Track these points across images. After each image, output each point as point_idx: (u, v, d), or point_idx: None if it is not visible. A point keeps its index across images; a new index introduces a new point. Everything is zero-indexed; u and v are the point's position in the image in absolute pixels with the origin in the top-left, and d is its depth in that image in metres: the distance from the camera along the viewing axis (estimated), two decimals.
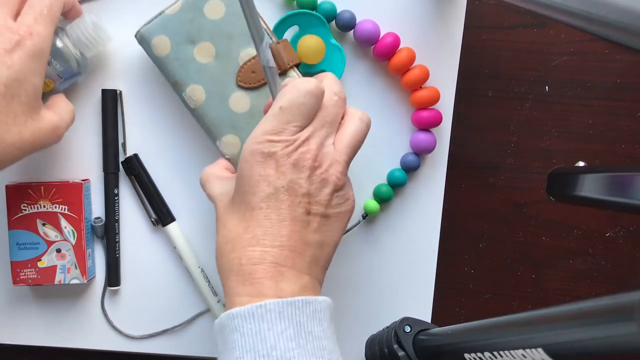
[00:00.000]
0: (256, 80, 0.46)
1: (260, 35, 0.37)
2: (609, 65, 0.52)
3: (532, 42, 0.52)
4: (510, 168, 0.54)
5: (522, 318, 0.34)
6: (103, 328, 0.52)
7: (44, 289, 0.51)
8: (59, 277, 0.48)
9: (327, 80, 0.40)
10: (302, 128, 0.38)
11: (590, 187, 0.38)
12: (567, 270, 0.54)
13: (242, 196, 0.38)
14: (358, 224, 0.51)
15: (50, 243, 0.48)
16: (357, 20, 0.48)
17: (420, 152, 0.50)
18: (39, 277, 0.48)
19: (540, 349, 0.31)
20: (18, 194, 0.47)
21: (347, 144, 0.39)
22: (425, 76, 0.48)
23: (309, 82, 0.38)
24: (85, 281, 0.48)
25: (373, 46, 0.48)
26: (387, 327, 0.47)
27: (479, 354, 0.36)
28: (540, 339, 0.31)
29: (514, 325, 0.34)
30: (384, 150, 0.50)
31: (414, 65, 0.48)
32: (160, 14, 0.45)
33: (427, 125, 0.49)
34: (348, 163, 0.40)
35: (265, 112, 0.42)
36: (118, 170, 0.50)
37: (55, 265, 0.48)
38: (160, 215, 0.50)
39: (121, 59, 0.49)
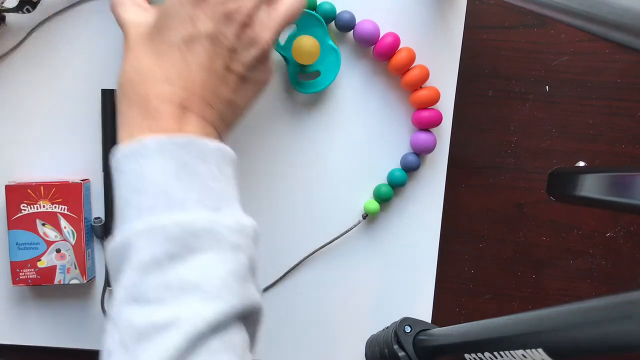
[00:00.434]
0: None
1: None
2: (609, 65, 0.52)
3: (533, 42, 0.52)
4: (510, 168, 0.53)
5: (522, 318, 0.34)
6: (103, 328, 0.51)
7: (44, 289, 0.51)
8: (58, 277, 0.48)
9: None
10: None
11: (590, 187, 0.38)
12: (567, 270, 0.54)
13: (161, 30, 0.35)
14: (358, 224, 0.51)
15: (49, 243, 0.48)
16: (357, 21, 0.48)
17: (421, 152, 0.50)
18: (38, 277, 0.48)
19: (540, 349, 0.31)
20: (18, 194, 0.47)
21: (282, 14, 0.37)
22: (425, 76, 0.48)
23: None
24: (85, 281, 0.48)
25: (373, 46, 0.48)
26: (387, 328, 0.47)
27: (479, 354, 0.36)
28: (540, 339, 0.31)
29: (514, 325, 0.34)
30: (384, 150, 0.50)
31: (414, 65, 0.48)
32: None
33: (427, 125, 0.49)
34: (278, 34, 0.38)
35: None
36: None
37: (55, 265, 0.48)
38: None
39: (121, 58, 0.49)
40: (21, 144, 0.50)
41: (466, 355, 0.37)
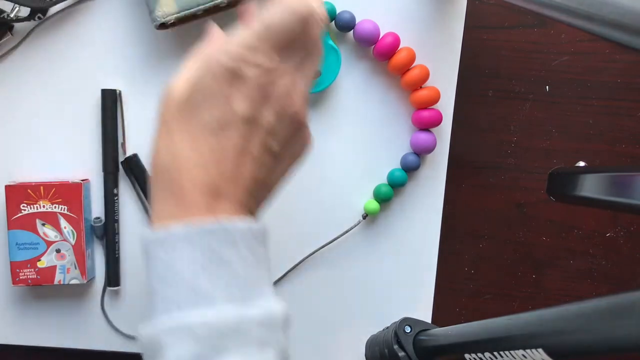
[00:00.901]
0: None
1: None
2: (609, 65, 0.52)
3: (533, 42, 0.52)
4: (510, 168, 0.53)
5: (522, 318, 0.34)
6: (103, 328, 0.51)
7: (44, 289, 0.51)
8: (58, 277, 0.48)
9: (315, 6, 0.35)
10: (280, 51, 0.33)
11: (590, 187, 0.38)
12: (567, 270, 0.54)
13: (195, 109, 0.33)
14: (358, 224, 0.51)
15: (49, 243, 0.48)
16: (357, 21, 0.48)
17: (421, 152, 0.50)
18: (38, 277, 0.48)
19: (540, 349, 0.31)
20: (17, 194, 0.47)
21: (310, 78, 0.36)
22: (426, 76, 0.48)
23: (305, 6, 0.33)
24: (85, 281, 0.48)
25: (373, 46, 0.48)
26: (387, 328, 0.47)
27: (479, 354, 0.36)
28: (540, 339, 0.31)
29: (514, 325, 0.34)
30: (384, 150, 0.50)
31: (414, 65, 0.48)
32: None
33: (427, 125, 0.49)
34: (308, 103, 0.36)
35: (242, 15, 0.38)
36: (117, 170, 0.50)
37: (55, 266, 0.48)
38: None
39: (121, 58, 0.49)
40: (21, 144, 0.50)
41: (466, 355, 0.37)
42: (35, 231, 0.47)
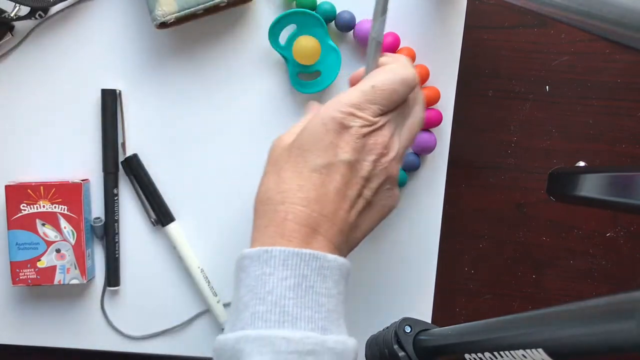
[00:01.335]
0: None
1: (385, 8, 0.38)
2: (609, 65, 0.52)
3: (533, 42, 0.52)
4: (510, 168, 0.53)
5: (522, 318, 0.34)
6: (103, 328, 0.51)
7: (44, 289, 0.51)
8: (58, 277, 0.48)
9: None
10: (385, 112, 0.38)
11: (590, 187, 0.38)
12: (567, 270, 0.54)
13: (304, 152, 0.37)
14: None
15: (49, 243, 0.48)
16: (357, 21, 0.48)
17: (421, 152, 0.50)
18: (38, 277, 0.48)
19: (540, 349, 0.31)
20: (17, 194, 0.47)
21: (407, 139, 0.40)
22: (426, 76, 0.48)
23: (408, 71, 0.38)
24: (85, 281, 0.48)
25: None
26: (387, 328, 0.47)
27: (479, 354, 0.36)
28: (540, 339, 0.31)
29: (514, 325, 0.34)
30: None
31: (414, 65, 0.48)
32: None
33: (427, 125, 0.49)
34: (403, 158, 0.40)
35: (352, 81, 0.42)
36: (117, 170, 0.50)
37: (55, 266, 0.48)
38: (160, 215, 0.50)
39: (121, 58, 0.49)
40: (21, 144, 0.50)
41: (466, 355, 0.37)
42: (35, 231, 0.47)
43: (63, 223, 0.48)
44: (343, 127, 0.37)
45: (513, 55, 0.52)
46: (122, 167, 0.50)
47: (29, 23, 0.48)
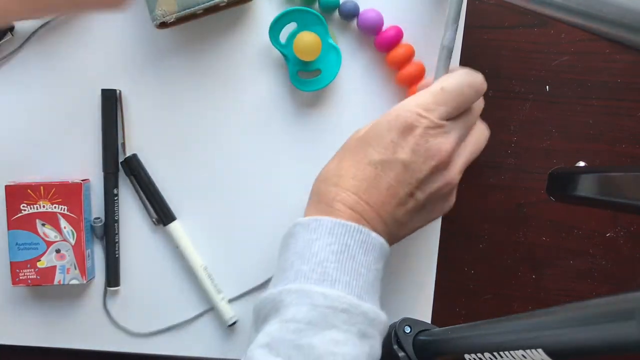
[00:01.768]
0: None
1: (457, 16, 0.39)
2: (609, 65, 0.52)
3: (533, 42, 0.52)
4: (510, 168, 0.53)
5: (522, 318, 0.34)
6: (103, 328, 0.51)
7: (44, 289, 0.51)
8: (58, 278, 0.48)
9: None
10: (450, 117, 0.39)
11: (591, 187, 0.38)
12: (567, 270, 0.54)
13: (366, 145, 0.39)
14: None
15: (49, 243, 0.48)
16: (361, 10, 0.48)
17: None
18: (38, 277, 0.48)
19: (540, 349, 0.31)
20: (17, 194, 0.47)
21: (470, 152, 0.41)
22: (420, 74, 0.48)
23: (477, 76, 0.39)
24: (85, 281, 0.48)
25: (374, 37, 0.48)
26: (387, 328, 0.47)
27: (479, 354, 0.36)
28: (540, 339, 0.31)
29: (514, 325, 0.34)
30: None
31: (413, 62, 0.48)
32: None
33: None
34: (463, 169, 0.41)
35: (419, 89, 0.43)
36: (117, 170, 0.50)
37: (55, 266, 0.48)
38: (161, 214, 0.50)
39: (121, 58, 0.49)
40: (21, 144, 0.50)
41: (466, 356, 0.37)
42: (35, 231, 0.47)
43: (63, 223, 0.48)
44: (408, 128, 0.38)
45: (513, 55, 0.52)
46: (122, 167, 0.50)
47: (30, 24, 0.48)
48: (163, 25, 0.46)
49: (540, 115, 0.53)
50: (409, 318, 0.45)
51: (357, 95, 0.50)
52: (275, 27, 0.47)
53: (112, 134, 0.49)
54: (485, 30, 0.52)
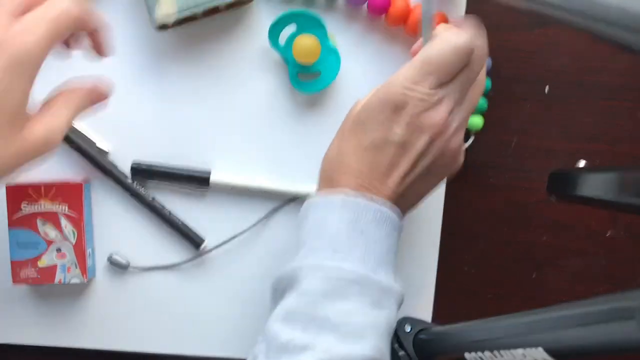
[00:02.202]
0: None
1: None
2: (609, 65, 0.52)
3: (533, 42, 0.52)
4: (510, 168, 0.53)
5: (522, 318, 0.34)
6: (103, 328, 0.52)
7: (44, 288, 0.51)
8: (59, 277, 0.48)
9: (477, 39, 0.39)
10: (441, 84, 0.38)
11: (591, 187, 0.38)
12: (567, 270, 0.54)
13: (362, 123, 0.40)
14: None
15: (50, 242, 0.48)
16: None
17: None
18: (38, 276, 0.48)
19: (540, 348, 0.31)
20: (18, 193, 0.47)
21: (467, 109, 0.40)
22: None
23: (461, 38, 0.38)
24: (86, 280, 0.48)
25: (366, 4, 0.48)
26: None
27: (479, 353, 0.36)
28: (540, 339, 0.31)
29: (514, 324, 0.34)
30: None
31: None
32: None
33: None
34: (464, 129, 0.41)
35: (412, 53, 0.42)
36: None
37: (55, 265, 0.48)
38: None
39: (121, 60, 0.49)
40: None
41: (466, 355, 0.37)
42: (36, 230, 0.47)
43: (63, 222, 0.48)
44: (399, 105, 0.38)
45: (513, 55, 0.52)
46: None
47: None
48: (163, 27, 0.46)
49: (540, 115, 0.53)
50: (409, 317, 0.45)
51: (357, 97, 0.50)
52: (275, 30, 0.47)
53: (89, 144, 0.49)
54: (485, 31, 0.52)
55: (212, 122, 0.50)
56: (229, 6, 0.47)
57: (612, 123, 0.53)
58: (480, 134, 0.52)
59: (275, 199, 0.50)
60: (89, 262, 0.49)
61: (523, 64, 0.52)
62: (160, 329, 0.51)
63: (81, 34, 0.40)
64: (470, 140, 0.51)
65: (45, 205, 0.47)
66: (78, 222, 0.48)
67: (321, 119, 0.50)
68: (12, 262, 0.48)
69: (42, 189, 0.47)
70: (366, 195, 0.38)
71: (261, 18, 0.49)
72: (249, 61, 0.50)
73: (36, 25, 0.35)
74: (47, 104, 0.39)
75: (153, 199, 0.50)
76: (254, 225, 0.51)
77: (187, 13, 0.45)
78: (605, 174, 0.38)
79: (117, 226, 0.51)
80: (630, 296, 0.27)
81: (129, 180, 0.50)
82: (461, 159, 0.42)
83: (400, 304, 0.40)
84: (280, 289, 0.39)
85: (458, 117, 0.39)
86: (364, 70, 0.50)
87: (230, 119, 0.50)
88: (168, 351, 0.52)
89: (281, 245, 0.51)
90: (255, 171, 0.51)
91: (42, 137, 0.37)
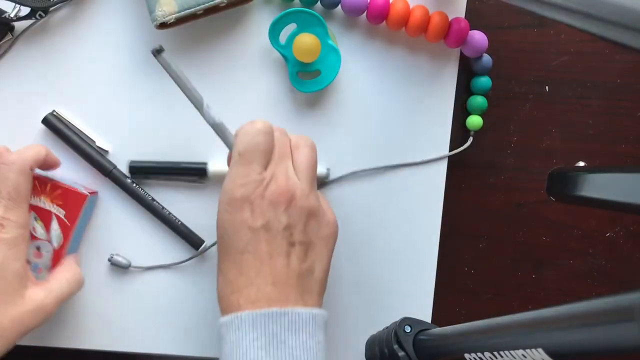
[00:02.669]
0: None
1: (198, 99, 0.40)
2: (609, 65, 0.52)
3: (532, 42, 0.52)
4: (510, 168, 0.53)
5: (522, 318, 0.34)
6: (103, 328, 0.51)
7: None
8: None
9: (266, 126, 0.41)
10: (265, 166, 0.40)
11: (590, 187, 0.38)
12: (567, 270, 0.54)
13: (228, 242, 0.39)
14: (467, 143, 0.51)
15: (33, 238, 0.47)
16: None
17: (482, 51, 0.49)
18: None
19: (540, 349, 0.31)
20: None
21: (306, 170, 0.41)
22: (427, 14, 0.47)
23: (258, 122, 0.40)
24: None
25: (365, 13, 0.48)
26: (387, 328, 0.47)
27: (479, 354, 0.36)
28: (540, 339, 0.31)
29: (514, 325, 0.34)
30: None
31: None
32: None
33: (462, 38, 0.48)
34: (314, 187, 0.41)
35: (229, 162, 0.43)
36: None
37: (29, 262, 0.46)
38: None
39: (121, 59, 0.49)
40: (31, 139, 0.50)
41: (466, 355, 0.37)
42: None
43: (54, 225, 0.47)
44: (241, 201, 0.39)
45: (513, 55, 0.52)
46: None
47: (29, 23, 0.48)
48: (163, 25, 0.46)
49: (540, 115, 0.53)
50: (409, 317, 0.45)
51: (357, 96, 0.50)
52: (275, 28, 0.47)
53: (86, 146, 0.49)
54: (485, 30, 0.52)
55: None
56: (230, 5, 0.47)
57: (612, 123, 0.53)
58: (480, 134, 0.52)
59: None
60: None
61: (523, 63, 0.52)
62: (161, 329, 0.51)
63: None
64: (470, 141, 0.51)
65: (44, 202, 0.47)
66: (68, 230, 0.47)
67: (321, 118, 0.50)
68: None
69: (49, 186, 0.47)
70: (269, 301, 0.37)
71: (261, 17, 0.49)
72: (249, 60, 0.50)
73: (9, 202, 0.43)
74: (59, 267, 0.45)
75: (153, 199, 0.50)
76: None
77: (187, 12, 0.45)
78: (605, 174, 0.38)
79: (117, 226, 0.51)
80: (631, 297, 0.27)
81: (129, 181, 0.50)
82: (332, 216, 0.42)
83: None
84: None
85: (301, 179, 0.40)
86: (364, 69, 0.50)
87: (230, 117, 0.50)
88: (169, 352, 0.52)
89: None
90: None
91: (37, 304, 0.42)
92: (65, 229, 0.47)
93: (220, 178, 0.49)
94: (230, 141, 0.41)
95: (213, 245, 0.51)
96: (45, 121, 0.49)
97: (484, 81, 0.50)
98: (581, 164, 0.50)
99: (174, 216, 0.50)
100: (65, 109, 0.50)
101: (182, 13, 0.45)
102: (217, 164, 0.50)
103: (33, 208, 0.47)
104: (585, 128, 0.53)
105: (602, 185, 0.37)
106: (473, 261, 0.55)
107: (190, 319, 0.51)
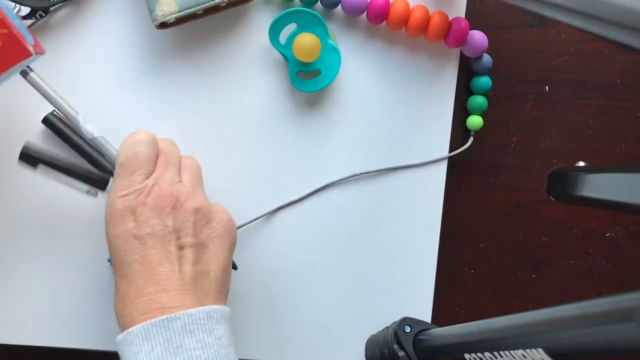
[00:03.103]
0: None
1: (74, 115, 0.41)
2: (609, 65, 0.52)
3: (533, 42, 0.52)
4: (510, 168, 0.53)
5: (522, 318, 0.34)
6: (103, 328, 0.51)
7: (44, 288, 0.51)
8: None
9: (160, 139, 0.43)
10: (149, 175, 0.40)
11: (590, 187, 0.38)
12: (567, 270, 0.54)
13: (116, 256, 0.39)
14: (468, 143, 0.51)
15: None
16: None
17: (482, 51, 0.49)
18: None
19: (540, 349, 0.31)
20: None
21: (191, 175, 0.42)
22: (427, 13, 0.47)
23: (138, 133, 0.41)
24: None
25: (365, 13, 0.48)
26: (387, 328, 0.47)
27: (479, 354, 0.36)
28: (540, 339, 0.31)
29: (514, 325, 0.34)
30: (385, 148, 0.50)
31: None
32: None
33: (462, 38, 0.48)
34: (200, 190, 0.42)
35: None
36: None
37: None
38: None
39: (121, 59, 0.49)
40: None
41: (466, 355, 0.37)
42: None
43: None
44: (123, 212, 0.38)
45: (513, 55, 0.52)
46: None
47: (27, 23, 0.48)
48: (163, 25, 0.46)
49: (540, 115, 0.53)
50: (409, 318, 0.45)
51: (357, 96, 0.50)
52: (275, 28, 0.47)
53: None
54: (485, 30, 0.52)
55: (212, 120, 0.50)
56: (230, 4, 0.47)
57: (612, 123, 0.53)
58: (480, 134, 0.52)
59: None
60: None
61: (523, 63, 0.52)
62: None
63: None
64: (471, 141, 0.51)
65: None
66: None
67: (321, 118, 0.50)
68: None
69: None
70: (162, 308, 0.37)
71: (261, 16, 0.49)
72: (249, 60, 0.50)
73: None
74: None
75: None
76: (252, 221, 0.51)
77: (187, 11, 0.45)
78: (605, 174, 0.38)
79: None
80: (630, 297, 0.27)
81: None
82: (225, 215, 0.42)
83: None
84: None
85: (186, 183, 0.41)
86: (364, 69, 0.50)
87: (229, 117, 0.50)
88: None
89: (281, 244, 0.51)
90: (254, 169, 0.50)
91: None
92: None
93: (217, 186, 0.50)
94: (113, 154, 0.42)
95: None
96: (46, 121, 0.49)
97: (484, 81, 0.50)
98: (581, 164, 0.51)
99: None
100: None
101: (182, 13, 0.45)
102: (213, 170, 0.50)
103: None
104: (585, 128, 0.53)
105: (602, 185, 0.37)
106: (473, 261, 0.55)
107: None
